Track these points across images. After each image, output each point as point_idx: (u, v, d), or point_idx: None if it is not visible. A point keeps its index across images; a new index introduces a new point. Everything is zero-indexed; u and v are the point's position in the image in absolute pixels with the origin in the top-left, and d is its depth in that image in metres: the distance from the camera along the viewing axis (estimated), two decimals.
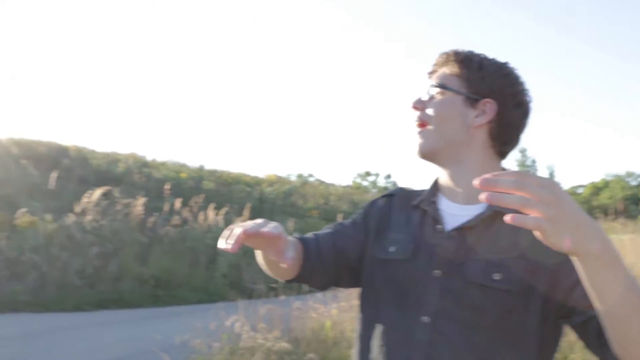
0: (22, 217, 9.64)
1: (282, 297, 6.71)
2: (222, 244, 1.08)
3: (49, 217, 9.86)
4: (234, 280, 10.47)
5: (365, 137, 38.29)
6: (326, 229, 1.46)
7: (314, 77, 36.47)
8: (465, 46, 1.37)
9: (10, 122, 24.39)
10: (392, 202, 1.45)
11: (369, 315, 1.35)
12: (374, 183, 31.64)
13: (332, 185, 25.48)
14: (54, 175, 11.23)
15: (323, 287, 1.45)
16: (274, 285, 6.88)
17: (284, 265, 1.20)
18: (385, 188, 28.89)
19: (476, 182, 0.88)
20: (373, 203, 1.48)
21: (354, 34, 36.72)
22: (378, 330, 1.31)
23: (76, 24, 31.87)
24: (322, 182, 25.19)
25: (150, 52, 33.58)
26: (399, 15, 37.72)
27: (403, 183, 26.13)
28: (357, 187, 29.23)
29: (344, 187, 26.66)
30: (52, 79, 33.28)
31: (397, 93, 38.54)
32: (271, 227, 1.12)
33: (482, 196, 0.87)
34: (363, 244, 1.40)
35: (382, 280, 1.33)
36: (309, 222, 13.50)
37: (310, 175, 26.51)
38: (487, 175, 0.88)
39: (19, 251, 8.98)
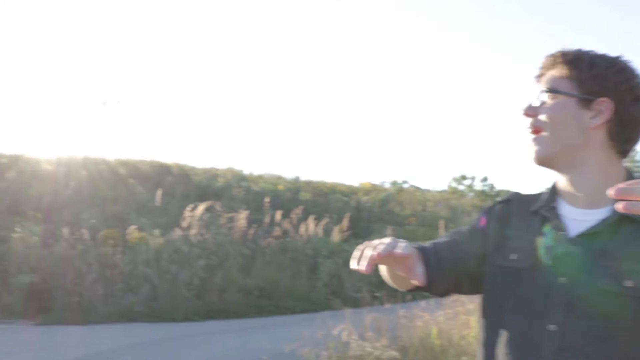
0: (133, 233, 10.17)
1: (387, 305, 6.65)
2: (354, 265, 1.14)
3: (157, 232, 10.34)
4: (335, 289, 10.52)
5: (459, 140, 37.48)
6: (444, 237, 1.46)
7: (402, 81, 36.23)
8: (565, 43, 1.32)
9: (116, 143, 25.85)
10: (509, 208, 1.42)
11: (493, 323, 1.34)
12: (470, 187, 30.86)
13: (428, 191, 25.13)
14: (159, 192, 11.77)
15: (443, 295, 1.46)
16: (378, 294, 6.83)
17: (414, 282, 1.23)
18: (483, 192, 28.09)
19: (611, 192, 0.88)
20: (490, 209, 1.46)
21: (437, 35, 36.19)
22: (503, 338, 1.30)
23: (175, 44, 33.42)
24: (417, 189, 24.91)
25: (234, 64, 34.60)
26: (482, 14, 36.81)
27: (500, 185, 25.27)
28: (453, 192, 28.66)
29: (439, 192, 26.23)
30: (150, 100, 35.00)
31: (487, 93, 37.52)
32: (402, 247, 1.14)
33: (619, 206, 0.87)
34: (482, 251, 1.39)
35: (504, 288, 1.32)
36: (407, 230, 13.37)
37: (405, 182, 26.26)
38: (621, 185, 0.88)
39: (133, 265, 9.47)
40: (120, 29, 31.51)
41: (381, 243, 1.15)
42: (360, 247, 1.17)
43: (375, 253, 1.11)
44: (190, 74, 33.39)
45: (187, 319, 9.30)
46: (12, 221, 11.13)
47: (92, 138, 22.17)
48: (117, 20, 31.03)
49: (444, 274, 1.37)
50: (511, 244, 1.34)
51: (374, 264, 1.11)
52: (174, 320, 9.21)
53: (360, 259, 1.13)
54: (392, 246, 1.14)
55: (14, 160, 15.77)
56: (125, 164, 16.87)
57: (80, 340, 8.18)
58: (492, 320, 1.35)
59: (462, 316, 5.79)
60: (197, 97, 34.54)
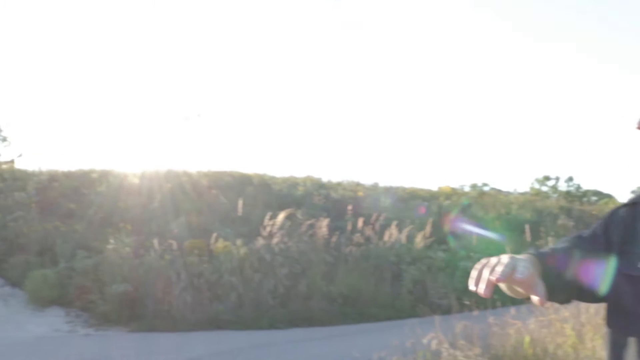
0: (217, 242, 10.39)
1: (476, 313, 6.46)
2: (472, 286, 1.13)
3: (240, 241, 10.52)
4: (419, 296, 10.36)
5: (539, 140, 36.21)
6: (563, 242, 1.39)
7: (478, 81, 35.42)
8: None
9: (197, 156, 26.64)
10: (635, 211, 1.33)
11: (620, 332, 1.27)
12: (554, 188, 29.67)
13: (509, 193, 24.40)
14: (240, 202, 11.97)
15: (564, 303, 1.41)
16: (467, 302, 6.65)
17: (536, 300, 1.22)
18: (568, 192, 27.01)
19: None
20: (614, 213, 1.38)
21: (506, 34, 35.14)
22: (632, 348, 1.22)
23: (250, 55, 34.12)
24: (498, 191, 24.22)
25: (310, 72, 34.88)
26: (548, 10, 35.38)
27: (587, 186, 24.19)
28: (536, 193, 27.62)
29: (522, 193, 25.40)
30: (229, 112, 35.83)
31: (568, 91, 36.08)
32: (521, 268, 1.11)
33: None
34: (605, 258, 1.31)
35: (631, 296, 1.24)
36: None
37: (485, 185, 25.62)
38: None
39: (218, 274, 9.67)
40: (199, 45, 32.47)
41: (500, 263, 1.12)
42: (478, 266, 1.14)
43: (493, 278, 1.09)
44: (266, 84, 34.00)
45: (272, 326, 9.40)
46: (105, 233, 11.64)
47: (175, 151, 22.89)
48: (196, 36, 32.04)
49: (564, 284, 1.30)
50: (638, 250, 1.26)
51: (493, 288, 1.10)
52: (259, 327, 9.33)
53: (478, 280, 1.12)
54: (511, 267, 1.10)
55: (104, 175, 16.53)
56: (207, 175, 17.32)
57: (171, 347, 8.42)
58: (619, 329, 1.27)
59: (556, 324, 5.55)
60: (274, 106, 35.11)
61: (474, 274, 1.14)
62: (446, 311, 9.57)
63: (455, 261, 11.24)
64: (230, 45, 33.68)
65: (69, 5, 32.05)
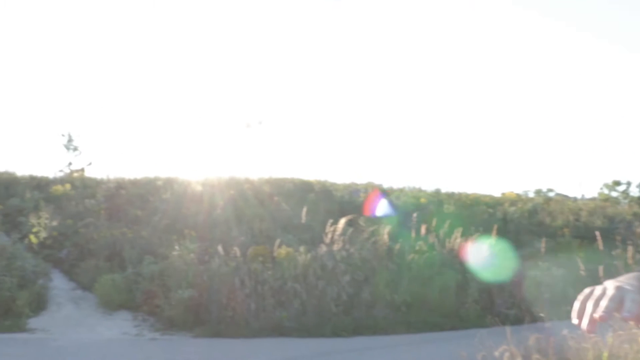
0: (280, 249, 10.40)
1: (547, 324, 6.19)
2: (575, 320, 1.05)
3: (302, 248, 10.50)
4: (485, 306, 10.06)
5: (606, 144, 34.81)
6: None
7: (536, 85, 34.39)
8: None
9: (259, 163, 26.91)
10: None
11: None
12: (625, 193, 28.42)
13: (576, 199, 23.50)
14: (304, 209, 11.97)
15: None
16: (542, 314, 6.39)
17: None
18: None
19: None
20: None
21: (552, 33, 33.97)
22: None
23: (310, 64, 34.30)
24: (565, 197, 23.38)
25: (371, 80, 34.72)
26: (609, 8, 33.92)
27: None
28: (606, 199, 26.53)
29: (590, 199, 24.43)
30: (290, 119, 36.13)
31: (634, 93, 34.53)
32: (628, 305, 1.00)
33: None
34: None
35: None
36: (560, 242, 12.53)
37: (550, 190, 24.78)
38: None
39: (282, 281, 9.68)
40: (261, 52, 32.88)
41: (605, 296, 1.02)
42: (581, 297, 1.05)
43: (597, 315, 0.99)
44: (326, 90, 34.09)
45: (335, 334, 9.33)
46: (170, 239, 11.87)
47: (237, 159, 23.21)
48: (259, 44, 32.45)
49: None
50: None
51: (596, 324, 1.01)
52: (322, 335, 9.27)
53: (581, 314, 1.03)
54: (617, 301, 1.00)
55: (169, 182, 16.91)
56: (269, 182, 17.45)
57: (235, 354, 8.48)
58: None
59: (638, 339, 5.24)
60: (334, 112, 35.16)
61: (576, 305, 1.04)
62: (515, 321, 9.26)
63: (523, 270, 10.87)
64: (292, 52, 33.96)
65: (137, 16, 33.07)
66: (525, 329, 6.23)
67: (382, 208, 14.23)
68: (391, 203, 14.99)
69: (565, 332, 5.72)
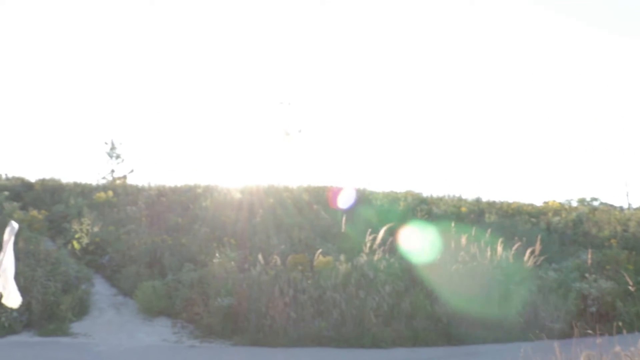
0: (319, 258, 10.33)
1: (598, 340, 5.94)
2: None
3: (343, 257, 10.40)
4: (530, 318, 9.77)
5: None
6: None
7: (576, 96, 33.57)
8: None
9: (298, 171, 26.93)
10: None
11: None
12: None
13: (622, 208, 22.79)
14: (344, 218, 11.89)
15: None
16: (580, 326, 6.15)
17: None
18: None
19: None
20: None
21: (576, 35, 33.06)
22: None
23: (350, 73, 34.30)
24: (610, 206, 22.70)
25: (412, 90, 34.48)
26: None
27: None
28: None
29: (638, 209, 23.68)
30: (329, 127, 36.12)
31: None
32: None
33: None
34: None
35: None
36: (607, 253, 12.10)
37: (594, 199, 24.13)
38: None
39: (321, 290, 9.59)
40: (301, 60, 33.01)
41: None
42: None
43: None
44: (365, 99, 34.00)
45: (375, 345, 9.19)
46: (210, 246, 11.93)
47: (276, 167, 23.28)
48: (298, 53, 32.57)
49: None
50: None
51: None
52: (361, 346, 9.14)
53: None
54: None
55: (209, 190, 17.04)
56: (307, 190, 17.41)
57: None
58: None
59: None
60: (372, 121, 35.02)
61: None
62: (561, 335, 8.97)
63: (569, 282, 10.54)
64: (331, 61, 33.99)
65: (181, 27, 33.60)
66: (573, 343, 6.00)
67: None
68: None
69: (617, 349, 5.49)
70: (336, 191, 16.30)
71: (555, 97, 35.17)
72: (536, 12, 35.27)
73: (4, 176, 18.83)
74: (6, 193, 15.71)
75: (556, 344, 5.61)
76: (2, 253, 3.14)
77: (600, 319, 9.65)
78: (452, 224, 11.51)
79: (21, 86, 33.71)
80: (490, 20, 35.30)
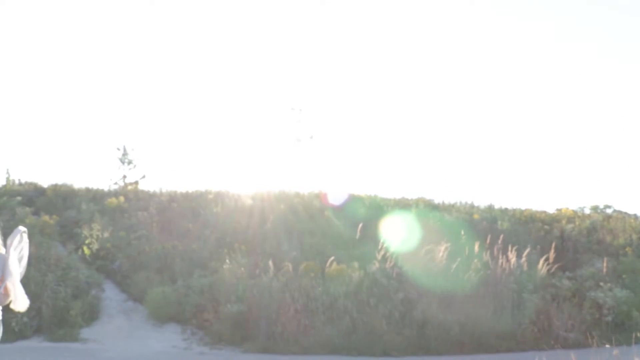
0: (331, 265, 10.24)
1: (616, 352, 5.82)
2: None
3: (355, 264, 10.31)
4: (543, 327, 9.62)
5: None
6: None
7: (589, 103, 33.31)
8: None
9: (309, 177, 26.84)
10: None
11: None
12: None
13: (637, 216, 22.49)
14: (360, 225, 11.81)
15: None
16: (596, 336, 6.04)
17: None
18: None
19: None
20: None
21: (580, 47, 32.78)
22: None
23: (359, 79, 34.27)
24: (625, 214, 22.40)
25: (418, 94, 34.36)
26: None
27: None
28: None
29: None
30: (340, 133, 36.08)
31: None
32: None
33: None
34: None
35: None
36: (623, 262, 11.93)
37: (608, 207, 23.81)
38: None
39: (333, 298, 9.50)
40: (312, 66, 33.03)
41: None
42: None
43: None
44: (376, 105, 33.95)
45: (385, 353, 9.09)
46: (220, 252, 11.87)
47: (287, 173, 23.23)
48: (309, 59, 32.60)
49: None
50: None
51: None
52: (372, 354, 9.05)
53: None
54: None
55: (219, 196, 16.99)
56: (319, 197, 17.31)
57: None
58: None
59: None
60: (384, 127, 34.95)
61: None
62: (575, 345, 8.83)
63: (583, 290, 10.38)
64: (343, 67, 33.99)
65: (192, 32, 33.74)
66: (589, 353, 5.90)
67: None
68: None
69: (636, 359, 5.38)
70: (348, 197, 16.31)
71: (568, 104, 34.91)
72: (540, 14, 35.09)
73: (17, 182, 18.92)
74: (19, 198, 15.76)
75: (572, 354, 5.51)
76: (8, 256, 3.11)
77: (616, 328, 9.48)
78: (463, 232, 11.39)
79: (34, 92, 33.97)
80: (496, 21, 35.15)
